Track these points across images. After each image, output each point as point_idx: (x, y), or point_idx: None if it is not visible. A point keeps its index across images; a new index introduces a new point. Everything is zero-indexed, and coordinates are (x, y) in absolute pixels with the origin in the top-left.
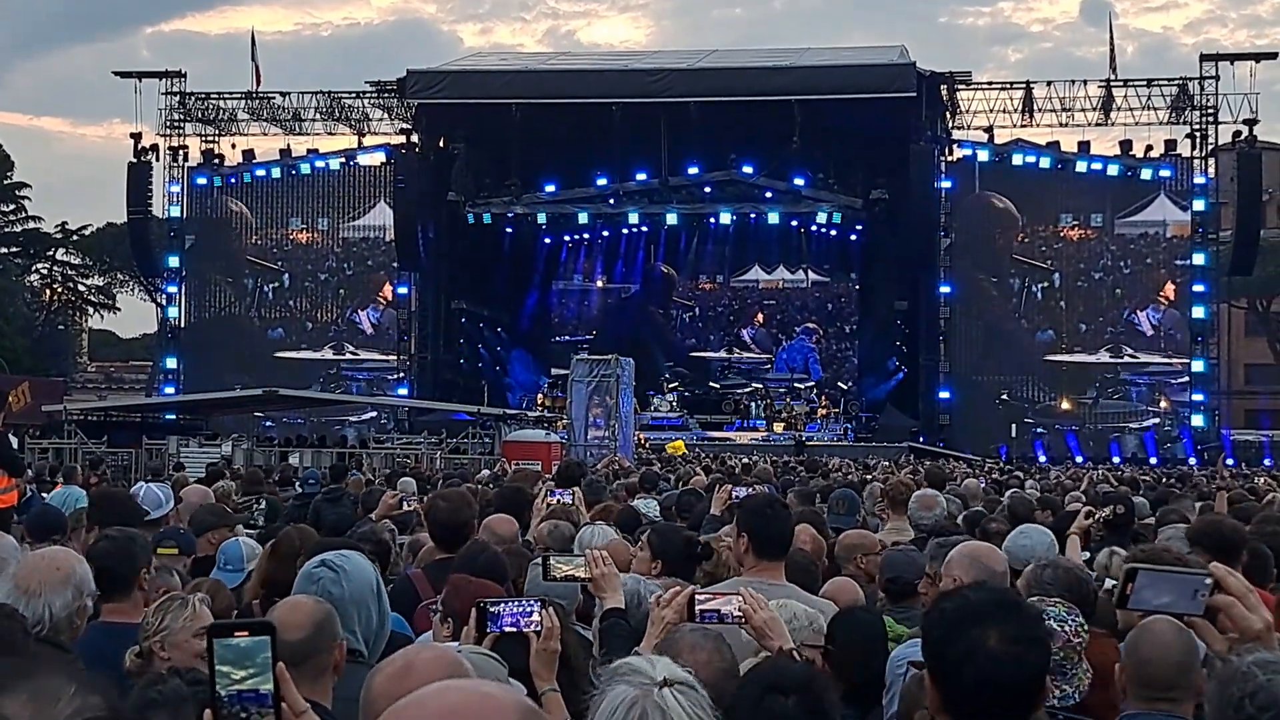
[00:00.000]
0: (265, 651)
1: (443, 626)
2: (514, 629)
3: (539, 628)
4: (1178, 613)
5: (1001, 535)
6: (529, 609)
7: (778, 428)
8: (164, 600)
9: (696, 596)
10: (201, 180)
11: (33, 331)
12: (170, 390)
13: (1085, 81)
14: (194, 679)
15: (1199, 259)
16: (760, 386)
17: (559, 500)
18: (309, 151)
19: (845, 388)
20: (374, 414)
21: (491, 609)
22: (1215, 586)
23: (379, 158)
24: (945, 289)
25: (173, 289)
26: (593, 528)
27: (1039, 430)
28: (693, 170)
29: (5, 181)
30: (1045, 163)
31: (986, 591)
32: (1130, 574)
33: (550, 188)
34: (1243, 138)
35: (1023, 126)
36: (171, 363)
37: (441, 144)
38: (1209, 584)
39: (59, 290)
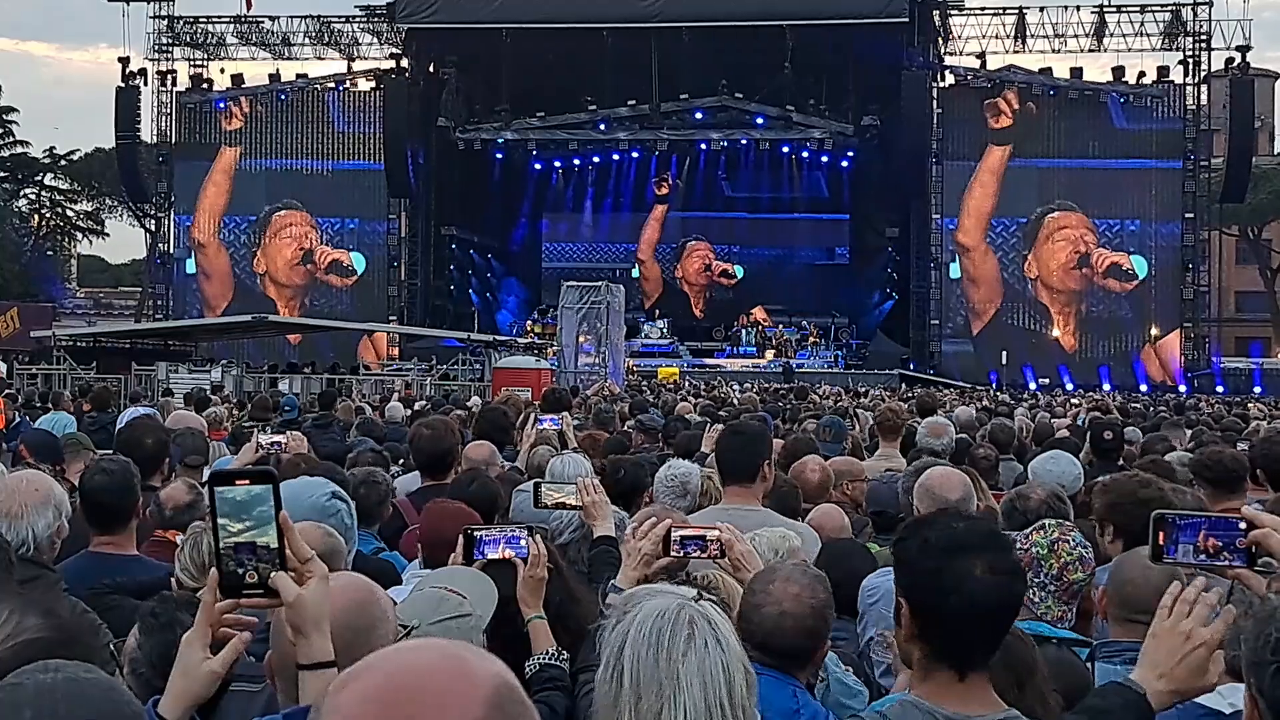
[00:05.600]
0: (266, 501)
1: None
2: (500, 556)
3: (525, 554)
4: (1221, 567)
5: (990, 461)
6: (516, 536)
7: (768, 354)
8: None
9: (674, 527)
10: (190, 105)
11: (21, 257)
12: (159, 316)
13: (1078, 7)
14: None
15: (1190, 185)
16: (757, 304)
17: (547, 427)
18: (298, 76)
19: (835, 315)
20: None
21: (478, 535)
22: (1249, 526)
23: (369, 83)
24: (937, 216)
25: (161, 215)
26: (564, 457)
27: (1030, 357)
28: (684, 96)
29: None
30: (1037, 89)
31: (970, 521)
32: (1159, 521)
33: (541, 113)
34: (1236, 64)
35: (1015, 53)
36: (161, 288)
37: (431, 69)
38: (1242, 527)
39: (47, 216)
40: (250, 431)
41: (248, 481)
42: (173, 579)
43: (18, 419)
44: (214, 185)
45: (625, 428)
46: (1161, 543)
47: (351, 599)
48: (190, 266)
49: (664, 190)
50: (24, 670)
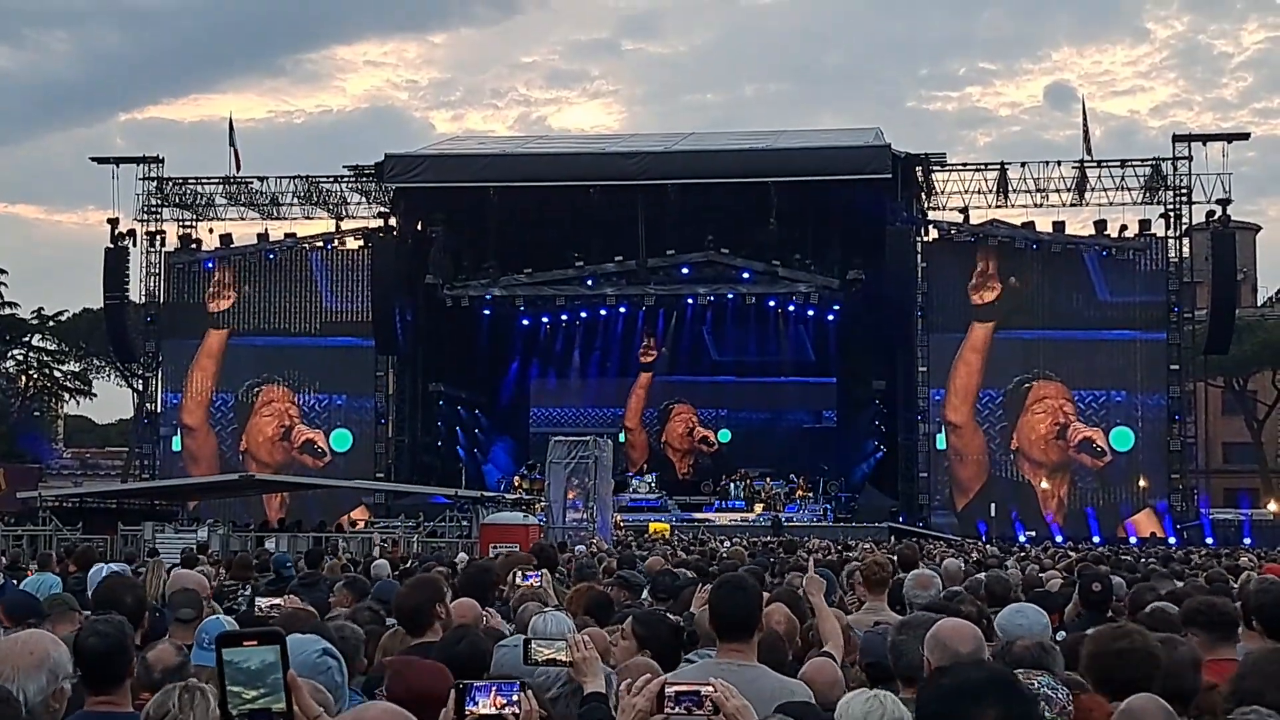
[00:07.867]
0: (276, 669)
1: None
2: (492, 706)
3: (517, 709)
4: None
5: (971, 617)
6: (509, 684)
7: (757, 508)
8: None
9: (668, 683)
10: (179, 265)
11: (8, 418)
12: (146, 475)
13: (1059, 162)
14: None
15: (1174, 338)
16: (740, 468)
17: (530, 583)
18: (286, 236)
19: (825, 468)
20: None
21: (469, 689)
22: None
23: (357, 242)
24: (923, 369)
25: (149, 374)
26: (545, 615)
27: (1018, 510)
28: (670, 251)
29: None
30: (1020, 243)
31: (984, 669)
32: None
33: (528, 270)
34: (1216, 217)
35: (998, 207)
36: (148, 448)
37: (419, 227)
38: None
39: (35, 376)
40: (232, 591)
41: (255, 642)
42: None
43: (1, 581)
44: (200, 370)
45: (606, 583)
46: None
47: None
48: (176, 444)
49: (650, 358)
50: None
